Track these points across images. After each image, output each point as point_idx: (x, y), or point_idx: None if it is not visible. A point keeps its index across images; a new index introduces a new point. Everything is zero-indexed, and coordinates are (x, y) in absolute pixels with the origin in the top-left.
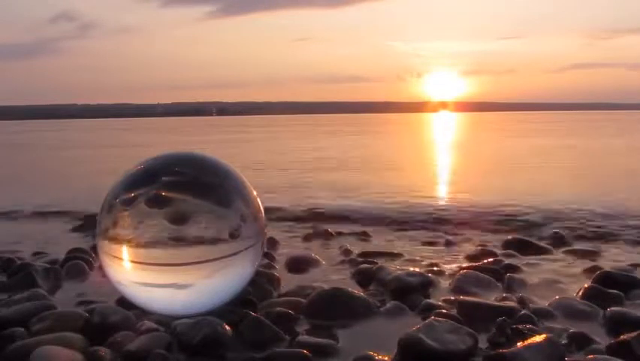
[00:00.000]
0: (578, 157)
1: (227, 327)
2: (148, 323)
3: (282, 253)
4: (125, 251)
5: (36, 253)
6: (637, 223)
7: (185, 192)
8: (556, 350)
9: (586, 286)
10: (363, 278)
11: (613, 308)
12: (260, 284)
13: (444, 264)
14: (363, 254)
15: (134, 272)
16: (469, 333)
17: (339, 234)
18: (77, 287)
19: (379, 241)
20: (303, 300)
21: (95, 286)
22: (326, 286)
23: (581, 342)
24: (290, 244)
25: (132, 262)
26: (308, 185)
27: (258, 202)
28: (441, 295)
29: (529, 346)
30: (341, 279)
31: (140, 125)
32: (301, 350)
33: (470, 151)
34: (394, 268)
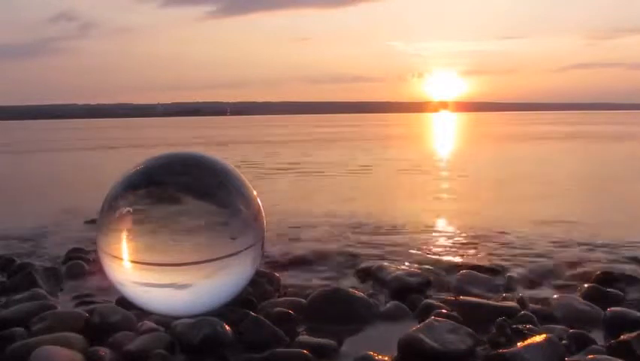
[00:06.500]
0: None
1: (227, 327)
2: (148, 323)
3: (283, 253)
4: (125, 251)
5: (36, 253)
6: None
7: (185, 193)
8: (556, 350)
9: (586, 286)
10: (363, 278)
11: (613, 308)
12: (260, 284)
13: (444, 264)
14: (364, 254)
15: (134, 272)
16: (469, 333)
17: (339, 234)
18: (77, 287)
19: (379, 241)
20: (303, 300)
21: (95, 286)
22: (326, 287)
23: (581, 342)
24: (290, 244)
25: (132, 262)
26: None
27: (258, 202)
28: (441, 295)
29: (529, 346)
30: (341, 279)
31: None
32: (301, 350)
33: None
34: (394, 268)
